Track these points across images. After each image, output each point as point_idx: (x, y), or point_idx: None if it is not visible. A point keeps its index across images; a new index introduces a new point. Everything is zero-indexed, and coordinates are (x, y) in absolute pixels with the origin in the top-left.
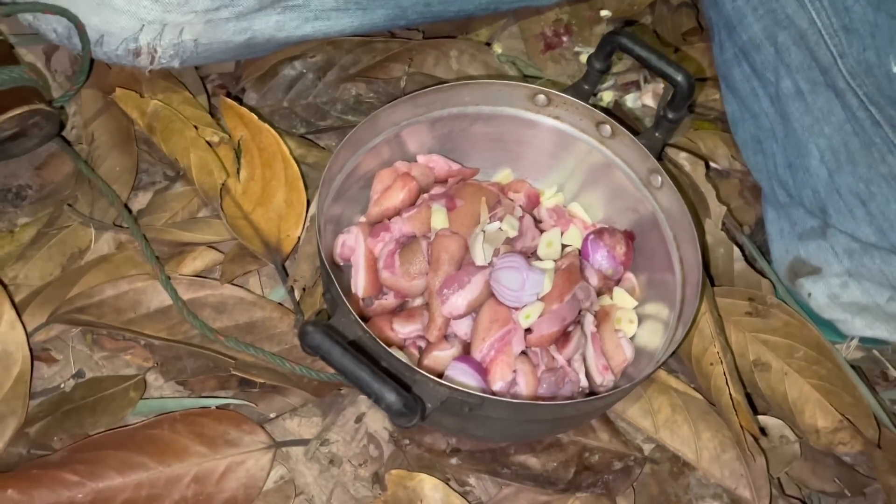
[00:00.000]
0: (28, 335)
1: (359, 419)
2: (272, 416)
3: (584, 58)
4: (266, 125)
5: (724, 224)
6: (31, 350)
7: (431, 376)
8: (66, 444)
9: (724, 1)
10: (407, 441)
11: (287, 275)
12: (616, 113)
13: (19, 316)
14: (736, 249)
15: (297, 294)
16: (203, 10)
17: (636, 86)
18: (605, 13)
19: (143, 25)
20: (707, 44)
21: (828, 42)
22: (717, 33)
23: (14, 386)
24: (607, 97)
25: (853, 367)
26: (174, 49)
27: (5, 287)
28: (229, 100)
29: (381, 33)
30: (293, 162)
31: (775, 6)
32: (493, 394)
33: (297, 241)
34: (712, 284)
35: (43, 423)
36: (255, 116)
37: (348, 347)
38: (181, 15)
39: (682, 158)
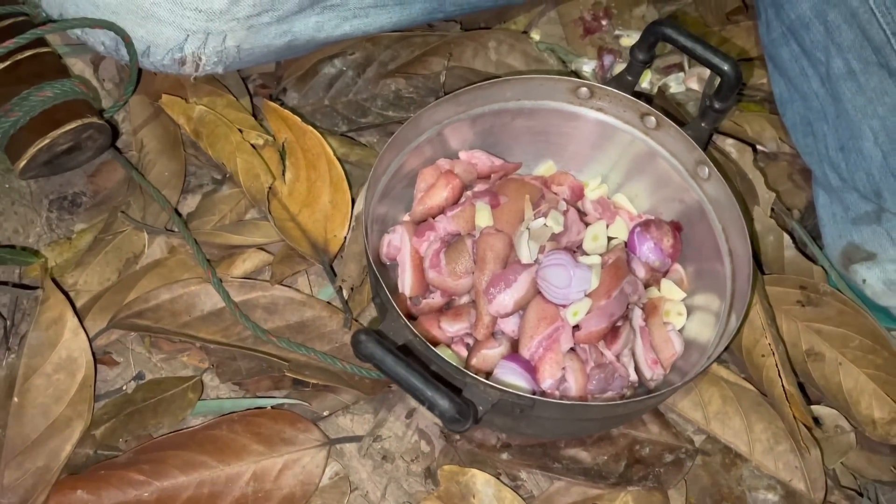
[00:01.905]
0: (90, 340)
1: (409, 415)
2: (325, 413)
3: (624, 41)
4: (310, 127)
5: (773, 210)
6: (93, 354)
7: (482, 379)
8: (132, 445)
9: None
10: (457, 437)
11: (335, 274)
12: (658, 99)
13: (81, 322)
14: (786, 237)
15: (345, 293)
16: (245, 17)
17: (678, 67)
18: None
19: (188, 35)
20: (752, 22)
21: (880, 20)
22: (763, 12)
23: (79, 390)
24: (645, 78)
25: None
26: (218, 56)
27: (66, 294)
28: (272, 103)
29: (419, 27)
30: (337, 163)
31: None
32: (543, 394)
33: (344, 241)
34: (762, 272)
35: (108, 425)
36: (299, 119)
37: (400, 356)
38: (224, 23)
39: (729, 145)
